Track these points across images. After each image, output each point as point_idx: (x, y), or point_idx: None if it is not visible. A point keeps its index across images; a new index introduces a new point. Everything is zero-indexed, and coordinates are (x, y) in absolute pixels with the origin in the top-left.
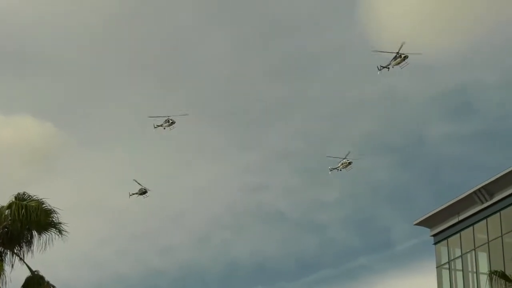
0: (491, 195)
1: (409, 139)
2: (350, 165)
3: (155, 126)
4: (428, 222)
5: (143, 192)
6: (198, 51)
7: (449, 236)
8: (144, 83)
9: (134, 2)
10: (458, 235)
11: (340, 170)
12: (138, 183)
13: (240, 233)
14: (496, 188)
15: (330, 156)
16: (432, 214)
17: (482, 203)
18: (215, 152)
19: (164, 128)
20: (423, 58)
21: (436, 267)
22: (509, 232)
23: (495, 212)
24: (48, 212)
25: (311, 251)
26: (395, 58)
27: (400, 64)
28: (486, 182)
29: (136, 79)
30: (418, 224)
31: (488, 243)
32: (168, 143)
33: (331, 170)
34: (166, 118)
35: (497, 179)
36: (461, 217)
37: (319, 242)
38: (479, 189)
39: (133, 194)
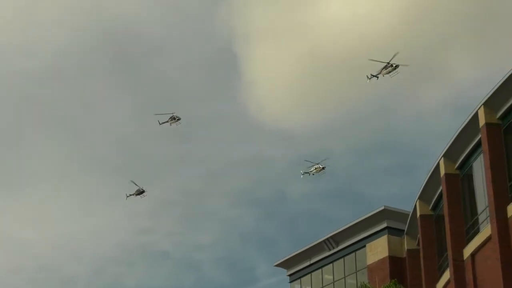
0: (337, 243)
1: (274, 195)
2: (323, 170)
3: (160, 123)
4: (285, 264)
5: (140, 192)
6: (100, 112)
7: (302, 276)
8: (53, 135)
9: (48, 66)
10: (309, 275)
11: (313, 174)
12: (135, 184)
13: (130, 268)
14: (341, 238)
15: (307, 160)
16: (289, 258)
17: (330, 249)
18: (111, 199)
19: (171, 125)
20: (289, 128)
21: None
22: (350, 274)
23: (340, 258)
24: None
25: (189, 285)
26: (385, 67)
27: (391, 73)
28: (334, 233)
29: (48, 134)
30: (277, 265)
31: (333, 282)
32: (72, 189)
33: (303, 174)
34: (171, 115)
35: (342, 230)
36: (313, 260)
37: (197, 278)
38: (327, 238)
39: (131, 195)
